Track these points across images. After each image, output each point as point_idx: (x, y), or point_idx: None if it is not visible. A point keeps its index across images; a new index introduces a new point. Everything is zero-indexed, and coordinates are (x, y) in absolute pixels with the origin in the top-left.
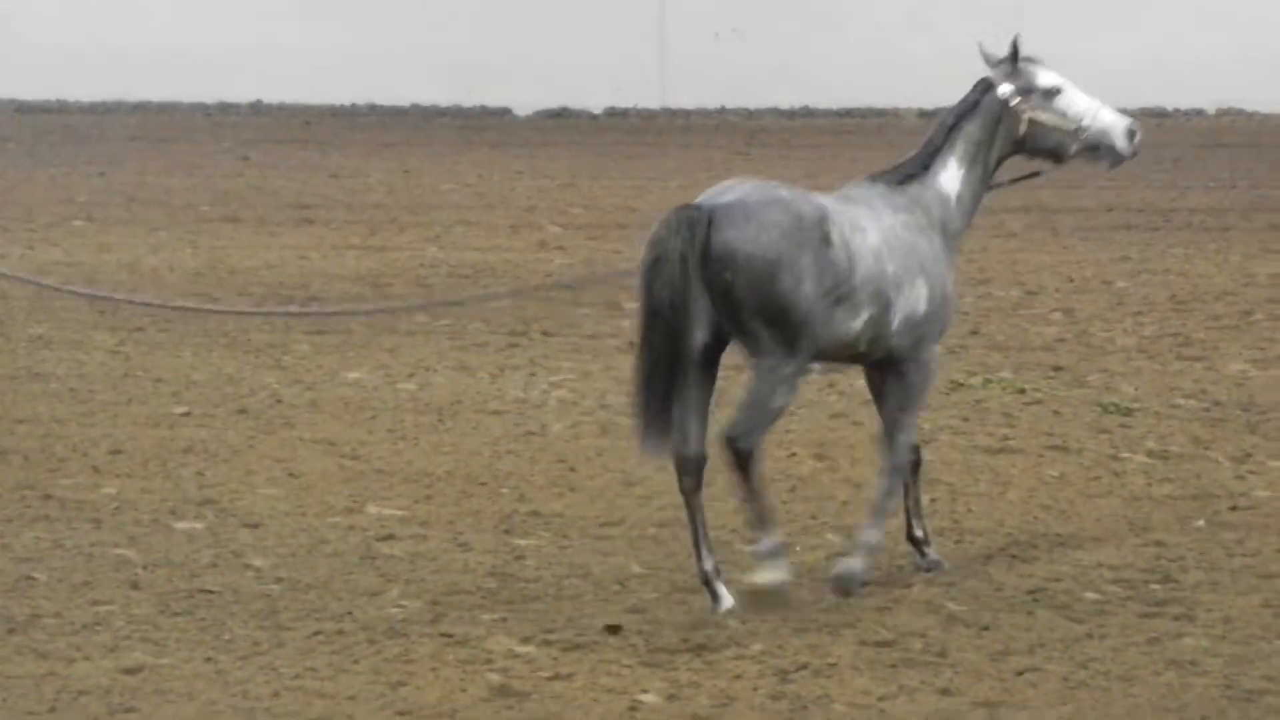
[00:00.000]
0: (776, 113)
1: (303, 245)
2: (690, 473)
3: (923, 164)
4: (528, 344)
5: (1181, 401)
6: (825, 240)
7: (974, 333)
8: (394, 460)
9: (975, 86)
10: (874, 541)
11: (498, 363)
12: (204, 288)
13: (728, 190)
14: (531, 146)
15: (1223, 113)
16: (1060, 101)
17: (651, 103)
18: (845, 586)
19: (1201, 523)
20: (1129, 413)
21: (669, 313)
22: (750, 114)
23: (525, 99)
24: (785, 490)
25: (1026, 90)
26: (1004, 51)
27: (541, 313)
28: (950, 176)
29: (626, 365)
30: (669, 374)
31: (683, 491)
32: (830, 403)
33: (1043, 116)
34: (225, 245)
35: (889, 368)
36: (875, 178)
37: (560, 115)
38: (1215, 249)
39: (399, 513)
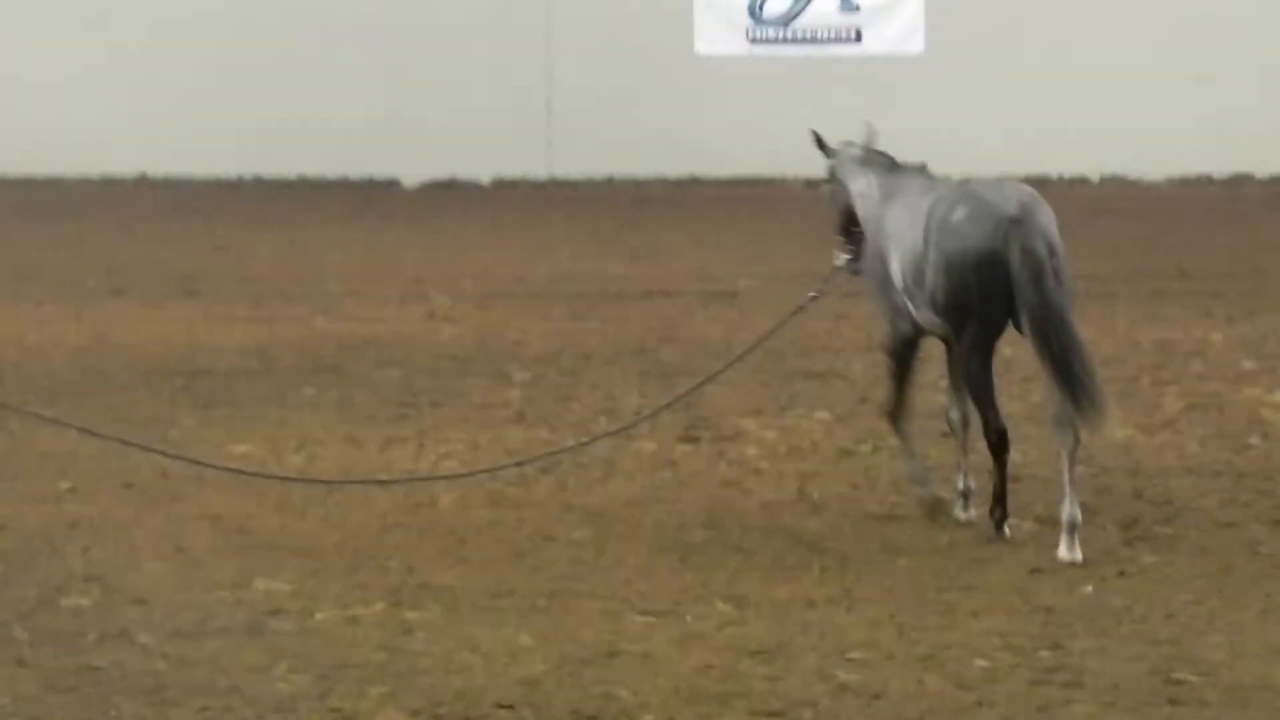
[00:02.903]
0: (664, 182)
1: (189, 318)
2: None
3: None
4: (416, 415)
5: None
6: None
7: (863, 400)
8: (282, 534)
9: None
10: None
11: (386, 434)
12: (90, 363)
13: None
14: (420, 217)
15: (1106, 180)
16: None
17: (539, 172)
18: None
19: (1089, 589)
20: (1017, 479)
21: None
22: (638, 183)
23: (413, 170)
24: (675, 560)
25: None
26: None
27: (429, 384)
28: None
29: (515, 435)
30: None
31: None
32: (720, 471)
33: None
34: (111, 319)
35: None
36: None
37: (449, 186)
38: (1100, 315)
39: (287, 587)
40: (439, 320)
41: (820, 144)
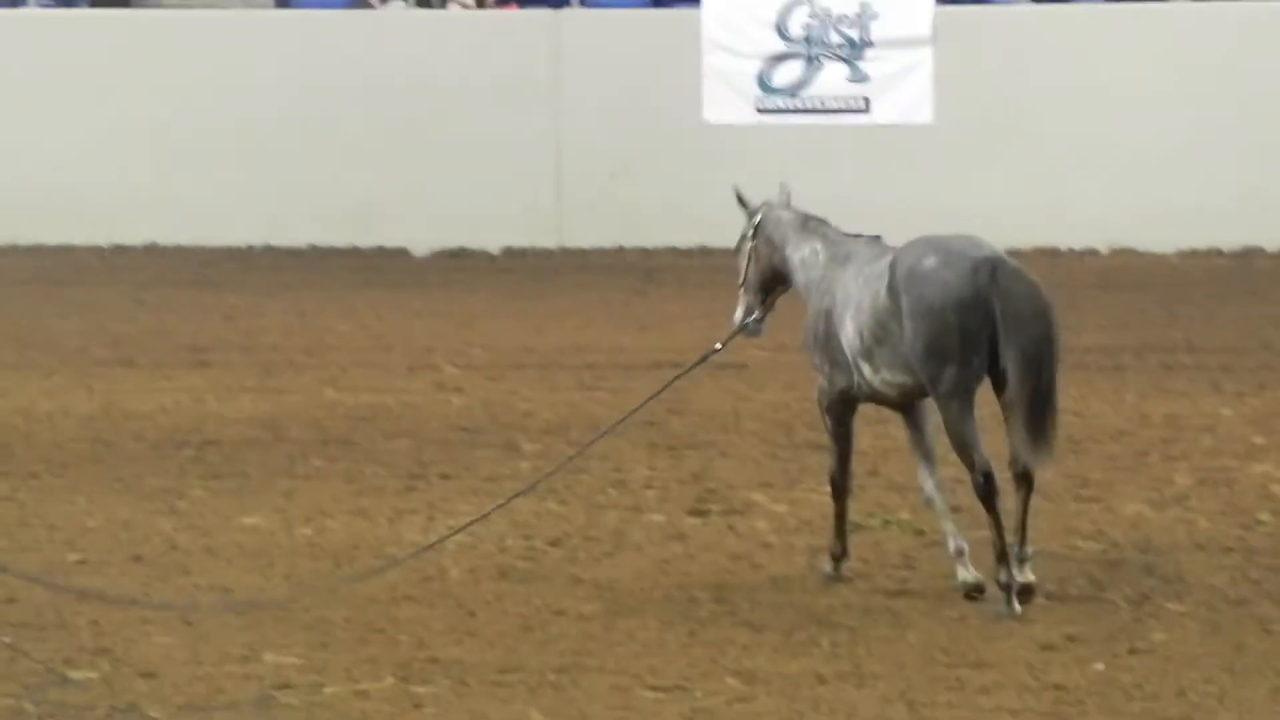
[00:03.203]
0: (674, 251)
1: (198, 388)
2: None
3: None
4: (425, 487)
5: (1079, 543)
6: None
7: (872, 473)
8: (291, 608)
9: None
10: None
11: (395, 506)
12: (99, 433)
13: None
14: (429, 287)
15: (1116, 253)
16: None
17: (549, 242)
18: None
19: (1101, 665)
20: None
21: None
22: (647, 253)
23: (422, 239)
24: (685, 634)
25: None
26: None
27: (439, 455)
28: None
29: (524, 508)
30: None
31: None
32: (730, 544)
33: None
34: (120, 389)
35: None
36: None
37: (458, 255)
38: (1110, 389)
39: (296, 661)
40: (448, 390)
41: (741, 201)
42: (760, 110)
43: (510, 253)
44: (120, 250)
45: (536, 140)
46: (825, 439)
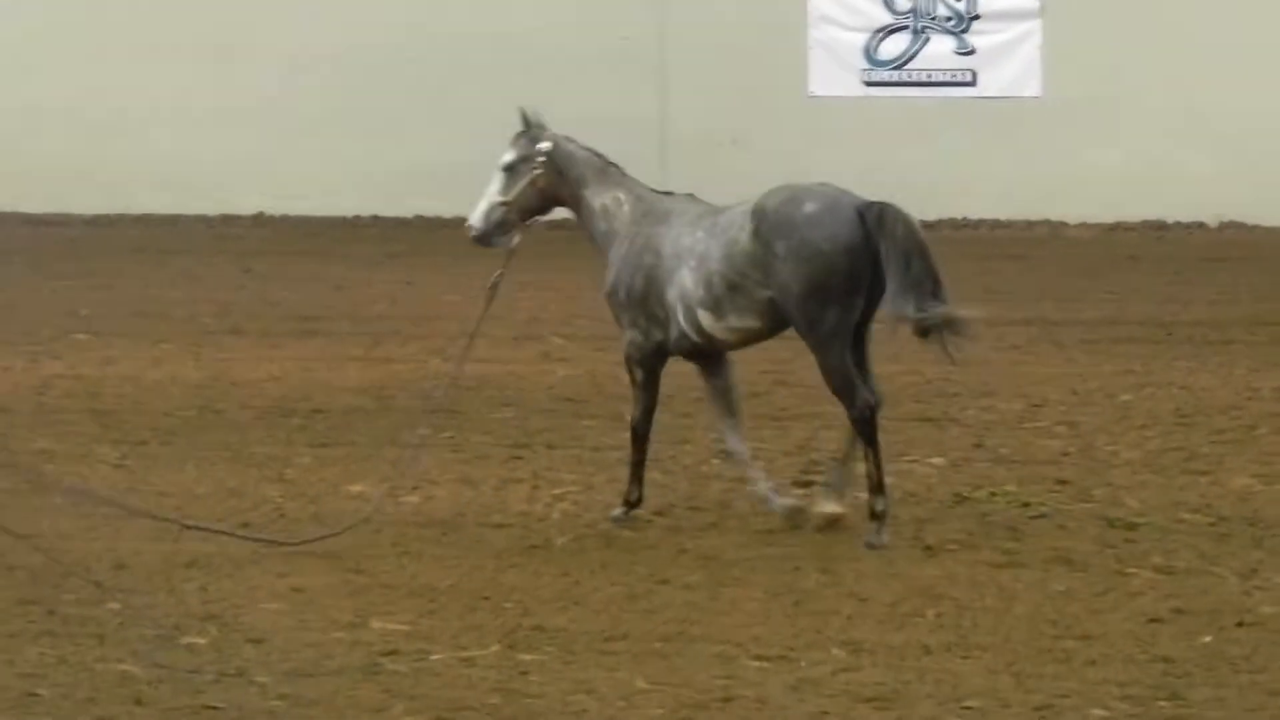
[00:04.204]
0: None
1: (306, 357)
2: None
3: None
4: (531, 456)
5: (1187, 516)
6: None
7: (978, 445)
8: (398, 574)
9: None
10: None
11: (501, 475)
12: (207, 401)
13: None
14: (536, 258)
15: (1224, 226)
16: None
17: None
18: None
19: (1209, 638)
20: (1134, 527)
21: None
22: None
23: None
24: (790, 604)
25: None
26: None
27: (545, 425)
28: None
29: (628, 478)
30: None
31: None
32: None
33: None
34: (228, 358)
35: None
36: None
37: (564, 226)
38: (1219, 363)
39: (403, 628)
40: (553, 361)
41: (528, 122)
42: (866, 83)
43: None
44: (229, 220)
45: (642, 113)
46: (631, 390)
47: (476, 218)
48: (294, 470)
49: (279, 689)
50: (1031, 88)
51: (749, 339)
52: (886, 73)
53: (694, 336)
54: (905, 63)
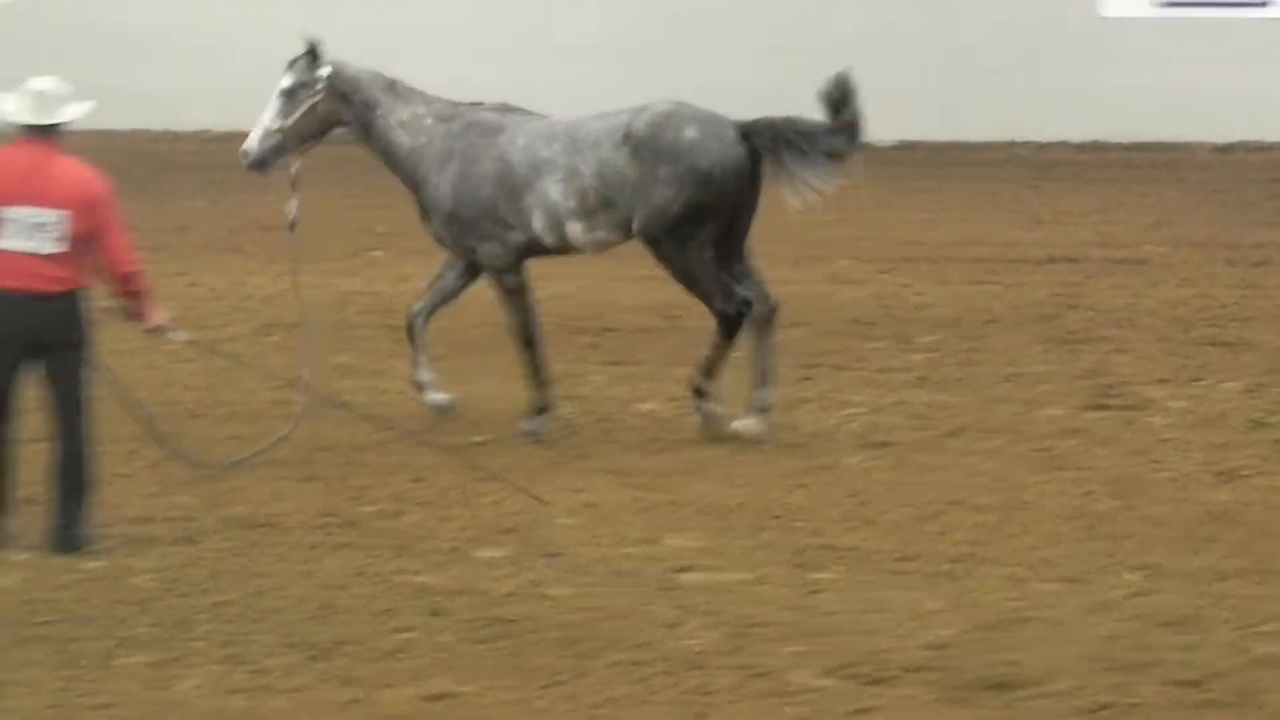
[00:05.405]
0: (1067, 146)
1: (596, 276)
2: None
3: None
4: (820, 377)
5: None
6: None
7: (1273, 370)
8: (687, 492)
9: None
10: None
11: (790, 396)
12: (486, 318)
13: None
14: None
15: None
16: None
17: (940, 135)
18: None
19: None
20: None
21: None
22: (1040, 147)
23: None
24: (1082, 529)
25: None
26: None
27: (833, 346)
28: None
29: (919, 400)
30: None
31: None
32: (1127, 440)
33: None
34: None
35: None
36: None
37: None
38: None
39: (695, 544)
40: (839, 283)
41: (314, 52)
42: (1159, 4)
43: (901, 145)
44: None
45: (929, 32)
46: (504, 301)
47: (251, 143)
48: (586, 387)
49: (573, 603)
50: None
51: (606, 249)
52: None
53: (549, 243)
54: None
